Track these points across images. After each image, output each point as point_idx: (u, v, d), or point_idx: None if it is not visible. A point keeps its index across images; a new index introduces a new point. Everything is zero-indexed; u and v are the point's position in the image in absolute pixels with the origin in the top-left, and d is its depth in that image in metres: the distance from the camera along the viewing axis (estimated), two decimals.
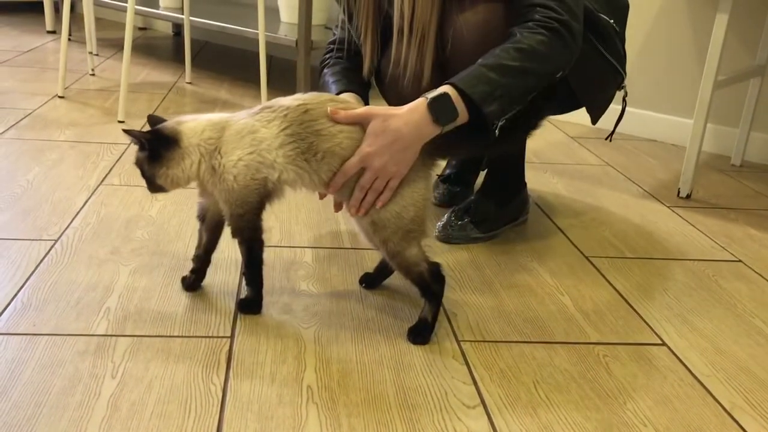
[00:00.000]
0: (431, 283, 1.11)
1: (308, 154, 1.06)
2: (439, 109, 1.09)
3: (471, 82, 1.12)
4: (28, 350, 1.01)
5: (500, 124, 1.14)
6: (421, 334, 1.11)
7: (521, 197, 1.58)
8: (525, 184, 1.60)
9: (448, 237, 1.48)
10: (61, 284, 1.20)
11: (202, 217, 1.18)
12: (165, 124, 1.11)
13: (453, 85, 1.12)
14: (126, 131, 1.09)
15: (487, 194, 1.54)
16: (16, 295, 1.15)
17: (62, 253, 1.30)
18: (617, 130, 1.66)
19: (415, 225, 1.10)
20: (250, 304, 1.16)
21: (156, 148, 1.08)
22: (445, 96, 1.10)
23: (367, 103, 1.32)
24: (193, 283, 1.21)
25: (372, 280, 1.27)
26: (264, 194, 1.09)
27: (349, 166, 1.08)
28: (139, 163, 1.11)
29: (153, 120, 1.12)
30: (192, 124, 1.09)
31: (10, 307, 1.12)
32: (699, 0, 2.25)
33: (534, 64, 1.17)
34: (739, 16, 2.03)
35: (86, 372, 0.97)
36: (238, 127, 1.08)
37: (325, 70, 1.42)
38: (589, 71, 1.38)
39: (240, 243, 1.13)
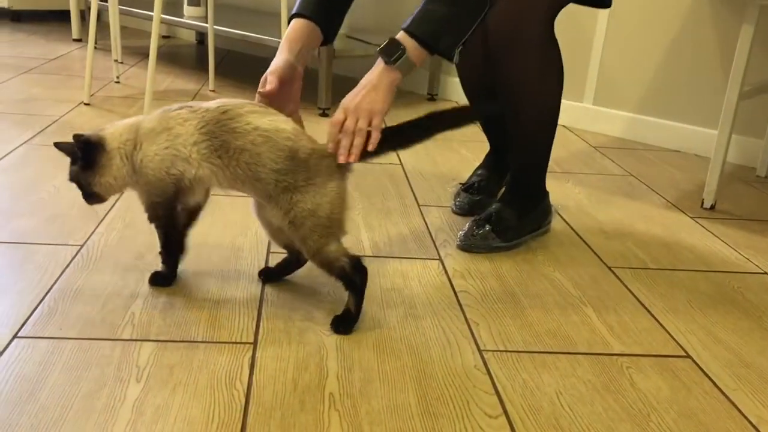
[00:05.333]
0: (353, 275, 1.14)
1: (221, 151, 1.11)
2: (388, 51, 1.18)
3: (417, 23, 1.20)
4: (54, 354, 1.02)
5: (458, 50, 1.22)
6: (343, 324, 1.15)
7: (543, 206, 1.58)
8: (547, 193, 1.60)
9: (469, 246, 1.48)
10: (86, 289, 1.21)
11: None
12: (88, 134, 1.16)
13: (404, 29, 1.20)
14: (56, 144, 1.16)
15: (509, 203, 1.53)
16: (42, 299, 1.17)
17: (88, 259, 1.31)
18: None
19: (331, 222, 1.12)
20: (162, 277, 1.24)
21: (87, 157, 1.15)
22: (392, 41, 1.19)
23: (329, 32, 1.32)
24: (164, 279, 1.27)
25: (270, 275, 1.29)
26: (181, 187, 1.14)
27: (333, 119, 1.16)
28: (73, 176, 1.18)
29: (76, 137, 1.17)
30: (111, 130, 1.17)
31: (37, 311, 1.13)
32: (724, 10, 2.24)
33: None
34: (764, 26, 2.02)
35: (111, 376, 0.98)
36: (151, 125, 1.14)
37: None
38: None
39: (156, 227, 1.21)
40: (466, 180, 1.75)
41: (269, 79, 1.22)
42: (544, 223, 1.59)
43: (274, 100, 1.20)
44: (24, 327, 1.08)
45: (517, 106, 1.47)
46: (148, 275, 1.27)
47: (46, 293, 1.19)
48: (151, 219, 1.20)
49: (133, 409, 0.92)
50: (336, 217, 1.13)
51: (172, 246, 1.23)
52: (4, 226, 1.42)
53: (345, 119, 1.16)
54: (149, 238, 1.34)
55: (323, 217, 1.11)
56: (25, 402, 0.92)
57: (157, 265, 1.32)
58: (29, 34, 3.65)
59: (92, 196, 1.20)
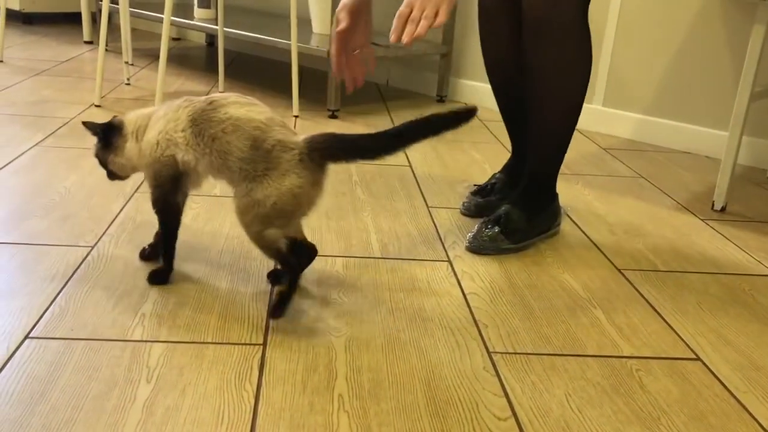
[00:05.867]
0: (288, 256, 1.18)
1: (199, 138, 1.16)
2: None
3: None
4: (65, 354, 1.03)
5: None
6: (279, 307, 1.17)
7: (552, 208, 1.57)
8: (556, 194, 1.59)
9: (477, 247, 1.47)
10: (97, 290, 1.22)
11: None
12: (114, 117, 1.27)
13: None
14: (84, 123, 1.28)
15: (518, 204, 1.53)
16: (54, 300, 1.18)
17: (98, 260, 1.32)
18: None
19: (274, 213, 1.13)
20: (159, 275, 1.26)
21: (107, 137, 1.26)
22: None
23: None
24: (149, 255, 1.34)
25: (279, 276, 1.30)
26: (176, 170, 1.20)
27: (399, 11, 1.21)
28: (96, 153, 1.29)
29: (88, 124, 1.28)
30: (131, 116, 1.27)
31: (48, 311, 1.14)
32: (735, 10, 2.23)
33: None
34: None
35: (122, 377, 0.99)
36: (159, 114, 1.22)
37: None
38: None
39: (156, 213, 1.26)
40: (482, 183, 1.75)
41: (341, 17, 1.27)
42: (554, 225, 1.58)
43: (350, 36, 1.24)
44: (36, 327, 1.09)
45: (543, 95, 1.46)
46: None
47: (57, 294, 1.19)
48: (155, 204, 1.25)
49: (144, 409, 0.93)
50: (280, 209, 1.13)
51: (170, 238, 1.27)
52: (15, 228, 1.43)
53: (410, 12, 1.18)
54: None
55: (268, 207, 1.13)
56: (37, 402, 0.92)
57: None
58: (41, 37, 3.67)
59: (110, 174, 1.32)
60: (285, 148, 1.13)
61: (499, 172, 1.74)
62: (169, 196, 1.24)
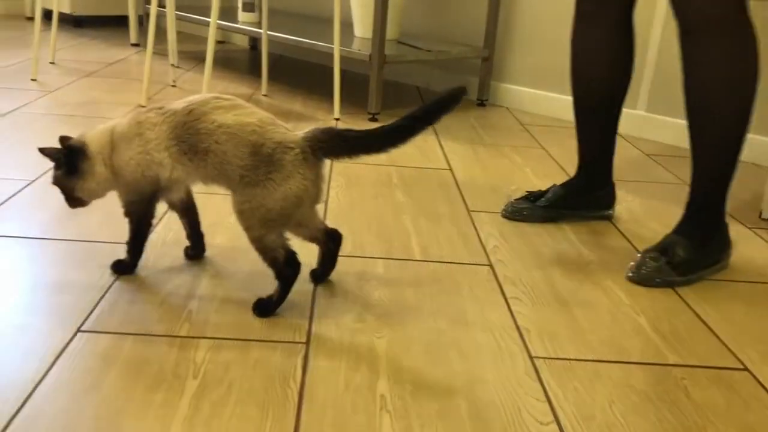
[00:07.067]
0: (284, 267, 1.17)
1: (190, 154, 1.13)
2: None
3: None
4: (116, 348, 1.06)
5: None
6: (263, 307, 1.18)
7: (722, 237, 1.46)
8: (726, 223, 1.47)
9: (641, 279, 1.39)
10: (145, 287, 1.25)
11: (171, 206, 1.32)
12: (73, 140, 1.21)
13: None
14: (41, 150, 1.20)
15: (684, 233, 1.44)
16: (103, 295, 1.21)
17: (146, 257, 1.35)
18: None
19: (278, 217, 1.13)
20: (125, 266, 1.28)
21: (71, 163, 1.19)
22: None
23: None
24: (194, 255, 1.36)
25: (319, 275, 1.31)
26: (157, 188, 1.19)
27: None
28: (57, 181, 1.22)
29: (63, 140, 1.22)
30: (91, 135, 1.21)
31: (98, 306, 1.17)
32: None
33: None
34: None
35: (170, 371, 1.01)
36: (122, 130, 1.18)
37: None
38: None
39: (130, 222, 1.25)
40: (534, 191, 1.72)
41: None
42: (723, 257, 1.47)
43: None
44: (87, 321, 1.12)
45: (710, 105, 1.35)
46: (204, 274, 1.30)
47: (107, 290, 1.23)
48: (127, 214, 1.25)
49: (191, 404, 0.95)
50: (285, 212, 1.13)
51: (139, 238, 1.27)
52: (67, 225, 1.47)
53: None
54: (206, 239, 1.37)
55: (273, 211, 1.13)
56: (88, 393, 0.95)
57: (212, 262, 1.35)
58: (90, 39, 3.77)
59: (75, 201, 1.25)
60: (285, 149, 1.11)
61: (559, 185, 1.70)
62: (146, 207, 1.23)
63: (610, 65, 1.57)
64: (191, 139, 1.13)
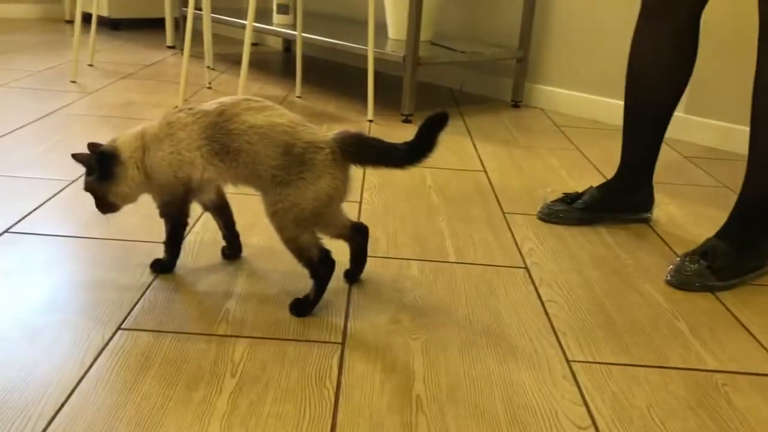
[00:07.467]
0: (319, 267, 1.18)
1: (222, 154, 1.15)
2: None
3: None
4: (155, 346, 1.07)
5: None
6: (300, 306, 1.19)
7: (766, 242, 1.43)
8: None
9: (680, 283, 1.37)
10: (184, 286, 1.26)
11: (205, 207, 1.34)
12: (104, 145, 1.22)
13: None
14: (74, 156, 1.21)
15: (726, 237, 1.41)
16: (143, 294, 1.23)
17: (184, 257, 1.37)
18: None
19: (311, 216, 1.15)
20: (163, 265, 1.30)
21: (104, 168, 1.20)
22: None
23: None
24: (231, 254, 1.38)
25: (351, 275, 1.31)
26: (189, 188, 1.20)
27: None
28: (89, 186, 1.23)
29: (92, 146, 1.22)
30: (123, 139, 1.21)
31: (138, 305, 1.19)
32: None
33: None
34: None
35: (208, 369, 1.02)
36: (153, 132, 1.19)
37: None
38: None
39: (166, 222, 1.26)
40: (570, 192, 1.70)
41: None
42: (766, 263, 1.43)
43: None
44: (127, 319, 1.14)
45: None
46: (241, 274, 1.32)
47: (147, 288, 1.24)
48: (163, 215, 1.26)
49: (229, 402, 0.96)
50: (317, 212, 1.15)
51: (177, 239, 1.29)
52: (106, 225, 1.50)
53: None
54: (241, 239, 1.39)
55: (305, 210, 1.14)
56: (129, 390, 0.97)
57: (248, 262, 1.37)
58: (127, 42, 3.83)
59: (107, 206, 1.25)
60: (316, 149, 1.13)
61: (596, 187, 1.68)
62: (180, 208, 1.24)
63: (671, 70, 1.53)
64: (223, 139, 1.14)
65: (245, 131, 1.13)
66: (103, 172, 1.20)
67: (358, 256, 1.31)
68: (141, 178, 1.21)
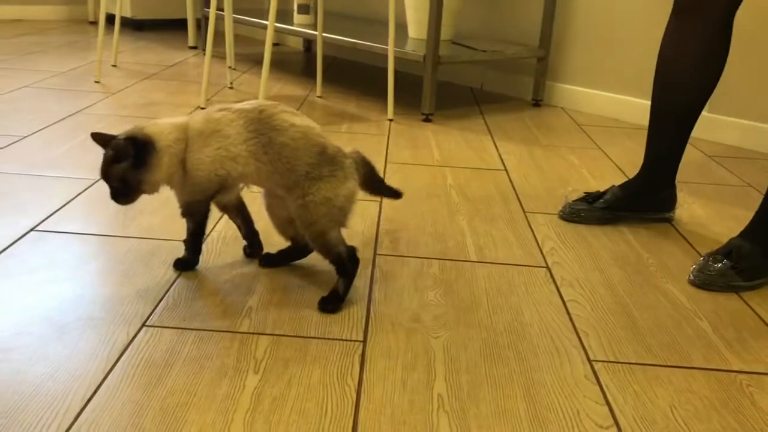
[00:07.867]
0: (347, 263, 1.21)
1: (267, 147, 1.17)
2: None
3: None
4: (179, 343, 1.09)
5: None
6: (330, 303, 1.20)
7: None
8: None
9: (704, 282, 1.36)
10: (206, 283, 1.28)
11: (223, 208, 1.35)
12: (131, 131, 1.17)
13: None
14: (96, 138, 1.17)
15: (751, 237, 1.39)
16: (167, 291, 1.24)
17: (207, 255, 1.38)
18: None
19: (341, 212, 1.20)
20: (186, 263, 1.32)
21: (140, 156, 1.16)
22: None
23: None
24: (252, 253, 1.38)
25: (272, 260, 1.36)
26: (224, 186, 1.22)
27: None
28: (120, 174, 1.16)
29: (101, 136, 1.18)
30: (156, 128, 1.18)
31: (162, 302, 1.20)
32: None
33: None
34: None
35: (231, 366, 1.03)
36: (199, 128, 1.19)
37: None
38: None
39: (189, 221, 1.28)
40: (592, 192, 1.69)
41: None
42: None
43: None
44: (151, 316, 1.16)
45: None
46: (262, 272, 1.33)
47: (170, 286, 1.26)
48: (186, 214, 1.27)
49: (252, 398, 0.97)
50: (346, 209, 1.21)
51: (199, 235, 1.30)
52: (130, 223, 1.52)
53: None
54: (262, 237, 1.40)
55: (337, 206, 1.19)
56: (154, 386, 0.98)
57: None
58: (150, 42, 3.87)
59: (128, 196, 1.20)
60: (344, 155, 1.22)
61: (618, 186, 1.67)
62: (208, 206, 1.26)
63: (702, 70, 1.52)
64: (270, 133, 1.18)
65: (288, 128, 1.18)
66: (137, 160, 1.16)
67: (289, 257, 1.37)
68: (175, 169, 1.19)
